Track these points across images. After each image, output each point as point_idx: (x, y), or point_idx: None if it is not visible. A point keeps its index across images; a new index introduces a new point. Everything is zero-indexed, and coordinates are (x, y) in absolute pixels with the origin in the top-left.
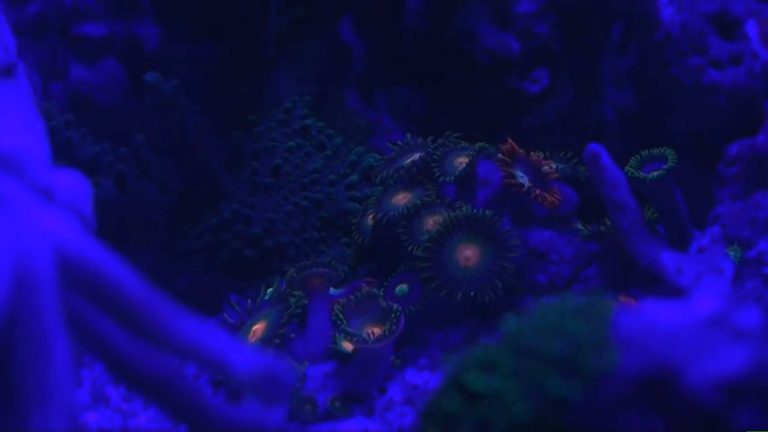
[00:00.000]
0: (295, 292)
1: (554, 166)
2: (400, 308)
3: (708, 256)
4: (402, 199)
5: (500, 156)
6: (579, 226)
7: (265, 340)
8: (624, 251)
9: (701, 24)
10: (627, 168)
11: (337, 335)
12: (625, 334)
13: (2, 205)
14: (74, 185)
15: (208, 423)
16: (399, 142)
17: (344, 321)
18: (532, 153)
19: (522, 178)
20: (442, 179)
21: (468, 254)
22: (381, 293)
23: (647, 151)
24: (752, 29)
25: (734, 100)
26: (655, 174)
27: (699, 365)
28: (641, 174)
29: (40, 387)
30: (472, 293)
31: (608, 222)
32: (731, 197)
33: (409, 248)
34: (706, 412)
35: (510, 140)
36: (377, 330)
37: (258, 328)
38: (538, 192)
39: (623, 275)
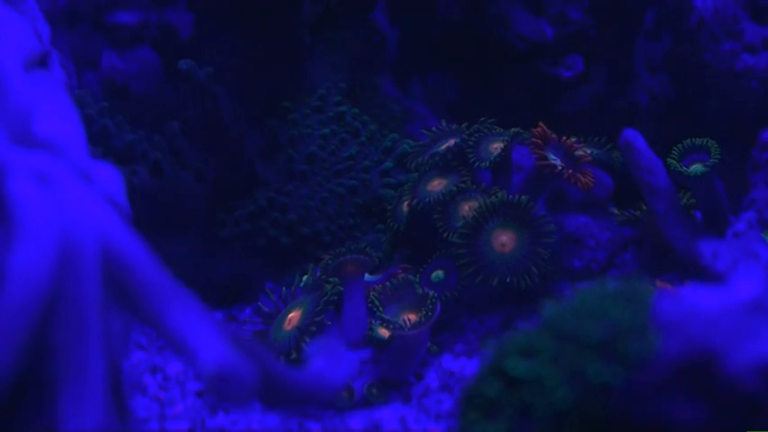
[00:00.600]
0: (330, 279)
1: (588, 150)
2: (436, 294)
3: (744, 242)
4: (437, 185)
5: (532, 139)
6: (615, 211)
7: (301, 328)
8: (660, 236)
9: (735, 9)
10: (669, 160)
11: (373, 321)
12: (665, 318)
13: (47, 183)
14: (108, 176)
15: (274, 388)
16: (434, 128)
17: (381, 308)
18: (565, 137)
19: (555, 160)
20: (477, 165)
21: (504, 239)
22: (417, 280)
23: (689, 141)
24: None
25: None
26: (698, 170)
27: (739, 350)
28: (683, 168)
29: (75, 370)
30: (508, 279)
31: (644, 207)
32: (766, 182)
33: (445, 235)
34: (747, 396)
35: (541, 124)
36: (413, 317)
37: (294, 315)
38: (570, 172)
39: (659, 260)
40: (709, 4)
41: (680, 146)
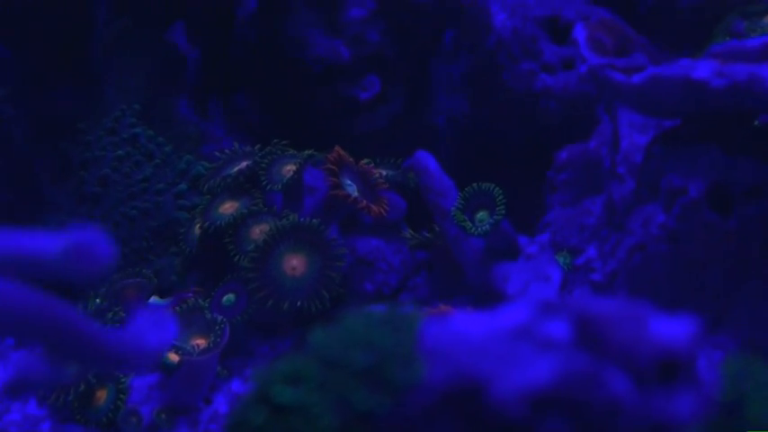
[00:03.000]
0: (113, 308)
1: (384, 173)
2: (225, 319)
3: (536, 264)
4: (229, 208)
5: (327, 165)
6: (408, 233)
7: None
8: (452, 259)
9: (534, 29)
10: (453, 212)
11: None
12: (432, 345)
13: None
14: None
15: (90, 350)
16: (227, 150)
17: None
18: (362, 161)
19: (350, 187)
20: (269, 187)
21: (295, 263)
22: (206, 305)
23: (475, 186)
24: (580, 33)
25: (566, 105)
26: (483, 229)
27: (505, 377)
28: (467, 223)
29: None
30: (299, 303)
31: (436, 229)
32: (561, 204)
33: (236, 258)
34: (513, 424)
35: (337, 148)
36: (202, 342)
37: None
38: (364, 203)
39: (451, 283)
40: (507, 24)
41: (465, 192)
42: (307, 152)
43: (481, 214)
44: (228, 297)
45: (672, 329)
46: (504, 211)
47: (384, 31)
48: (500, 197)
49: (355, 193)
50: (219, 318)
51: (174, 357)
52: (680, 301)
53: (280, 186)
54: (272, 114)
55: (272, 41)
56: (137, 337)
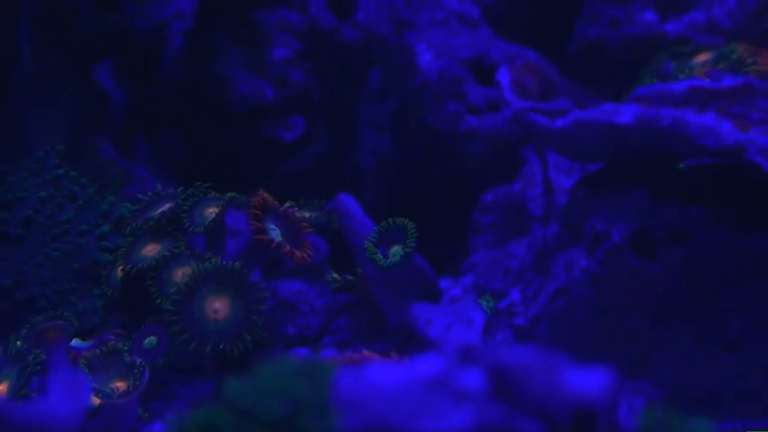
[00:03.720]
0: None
1: (307, 215)
2: (144, 363)
3: (458, 307)
4: (151, 250)
5: (251, 210)
6: (331, 275)
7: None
8: (374, 302)
9: (460, 71)
10: (366, 245)
11: None
12: (346, 396)
13: None
14: None
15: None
16: (150, 192)
17: (90, 376)
18: (286, 204)
19: (274, 231)
20: (191, 230)
21: (218, 306)
22: (126, 347)
23: (389, 221)
24: (504, 76)
25: (492, 146)
26: (394, 260)
27: (419, 428)
28: (379, 257)
29: None
30: (222, 346)
31: (359, 271)
32: (486, 246)
33: (158, 301)
34: None
35: (261, 191)
36: (122, 385)
37: (2, 388)
38: (288, 248)
39: (374, 326)
40: (433, 66)
41: (380, 226)
42: (229, 195)
43: (395, 249)
44: (150, 339)
45: (586, 381)
46: (413, 244)
47: (309, 71)
48: (412, 231)
49: (279, 238)
50: (139, 361)
51: (94, 400)
52: (603, 346)
53: (202, 229)
54: (199, 154)
55: (198, 81)
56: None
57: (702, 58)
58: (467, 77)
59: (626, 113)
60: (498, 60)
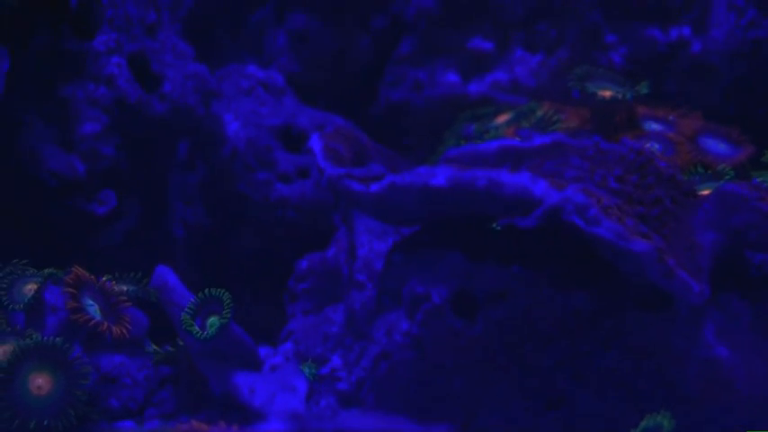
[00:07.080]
0: None
1: (125, 288)
2: None
3: (281, 375)
4: None
5: (66, 288)
6: (151, 348)
7: None
8: (197, 372)
9: (268, 139)
10: (182, 316)
11: None
12: None
13: None
14: None
15: None
16: None
17: None
18: (104, 278)
19: (92, 307)
20: (11, 307)
21: (41, 382)
22: None
23: (206, 292)
24: (316, 143)
25: (304, 213)
26: (210, 333)
27: None
28: (195, 330)
29: None
30: (45, 423)
31: (180, 343)
32: (303, 312)
33: None
34: None
35: (75, 268)
36: None
37: None
38: (105, 325)
39: (197, 398)
40: (241, 135)
41: (197, 297)
42: (47, 270)
43: (212, 319)
44: None
45: None
46: (229, 315)
47: (119, 144)
48: (228, 301)
49: (97, 314)
50: None
51: None
52: (428, 409)
53: (21, 306)
54: (11, 231)
55: (6, 156)
56: None
57: (503, 118)
58: (275, 145)
59: (440, 176)
60: (306, 127)
